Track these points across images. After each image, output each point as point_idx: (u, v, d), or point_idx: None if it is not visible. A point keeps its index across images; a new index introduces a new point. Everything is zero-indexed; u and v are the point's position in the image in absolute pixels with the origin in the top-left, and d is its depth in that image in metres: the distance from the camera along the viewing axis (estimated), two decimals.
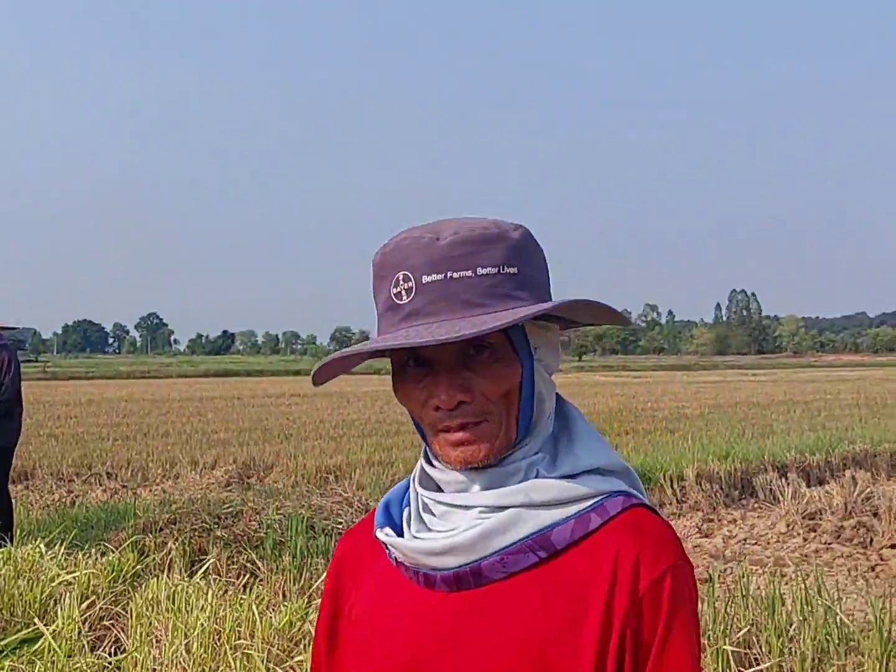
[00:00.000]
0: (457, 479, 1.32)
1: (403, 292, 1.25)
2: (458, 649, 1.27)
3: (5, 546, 8.04)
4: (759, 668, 5.21)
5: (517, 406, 1.30)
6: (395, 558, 1.37)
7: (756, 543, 10.49)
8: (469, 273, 1.23)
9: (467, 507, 1.30)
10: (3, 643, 5.99)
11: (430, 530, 1.33)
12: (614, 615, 1.22)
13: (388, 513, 1.42)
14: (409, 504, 1.39)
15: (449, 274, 1.22)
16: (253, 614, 5.66)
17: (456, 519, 1.31)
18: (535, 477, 1.30)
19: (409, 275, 1.24)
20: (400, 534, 1.36)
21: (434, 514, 1.34)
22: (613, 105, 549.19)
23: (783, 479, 12.76)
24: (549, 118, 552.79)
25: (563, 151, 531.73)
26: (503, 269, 1.24)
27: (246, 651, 5.16)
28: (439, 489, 1.35)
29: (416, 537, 1.33)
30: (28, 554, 7.55)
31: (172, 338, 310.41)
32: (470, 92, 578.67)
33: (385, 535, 1.37)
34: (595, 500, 1.28)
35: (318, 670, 1.52)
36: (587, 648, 1.22)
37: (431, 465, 1.37)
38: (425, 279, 1.23)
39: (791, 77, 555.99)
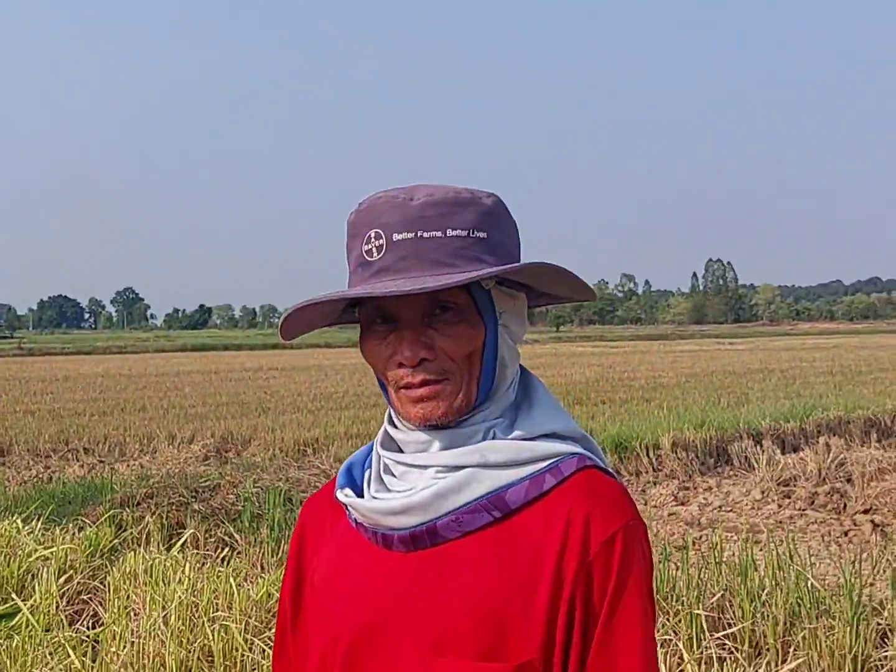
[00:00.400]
0: (417, 439, 1.34)
1: (374, 249, 1.27)
2: (415, 609, 1.29)
3: None
4: (731, 630, 5.28)
5: (479, 368, 1.32)
6: (355, 520, 1.38)
7: (731, 510, 10.56)
8: (439, 233, 1.25)
9: (425, 467, 1.32)
10: None
11: (389, 490, 1.35)
12: (564, 576, 1.24)
13: (350, 475, 1.44)
14: (370, 466, 1.41)
15: (420, 233, 1.25)
16: (230, 586, 5.69)
17: (413, 479, 1.33)
18: (493, 439, 1.31)
19: (381, 232, 1.27)
20: (360, 495, 1.38)
21: (394, 475, 1.36)
22: (591, 74, 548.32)
23: (758, 447, 12.84)
24: (526, 85, 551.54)
25: (540, 120, 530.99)
26: (473, 233, 1.27)
27: (224, 623, 5.19)
28: (401, 451, 1.37)
29: (374, 497, 1.34)
30: (5, 530, 7.56)
31: (149, 312, 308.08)
32: (459, 60, 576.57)
33: (345, 495, 1.39)
34: (550, 461, 1.30)
35: (283, 638, 1.53)
36: (539, 609, 1.23)
37: (395, 426, 1.39)
38: (396, 237, 1.25)
39: (773, 49, 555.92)
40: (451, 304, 1.28)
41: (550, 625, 1.23)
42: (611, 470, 1.37)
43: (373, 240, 1.27)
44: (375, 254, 1.26)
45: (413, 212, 1.26)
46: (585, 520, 1.25)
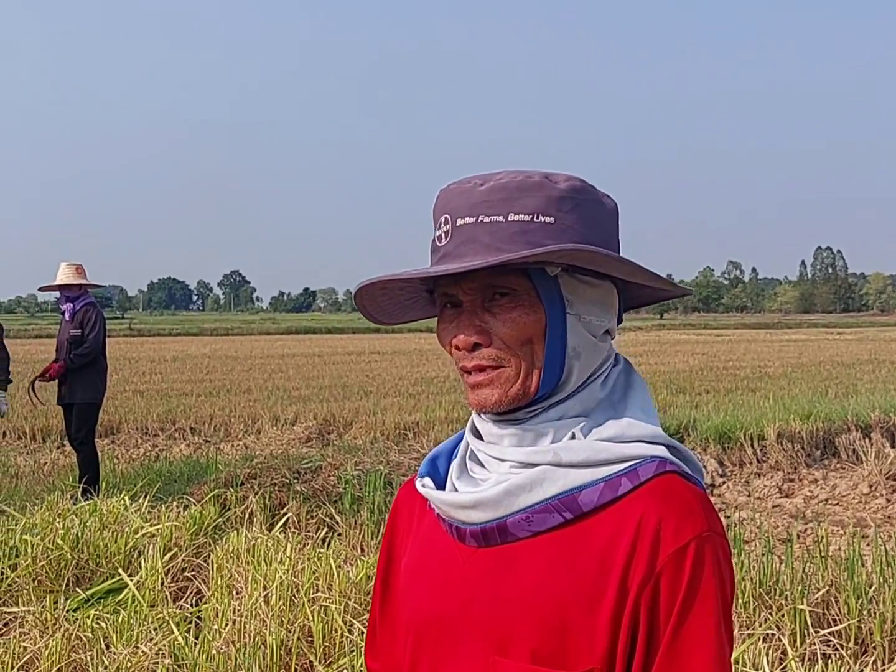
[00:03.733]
0: (489, 431, 1.32)
1: (443, 235, 1.27)
2: (482, 606, 1.27)
3: (91, 499, 8.24)
4: (836, 628, 5.17)
5: (542, 358, 1.27)
6: (435, 511, 1.38)
7: (838, 504, 10.37)
8: (500, 218, 1.23)
9: (502, 460, 1.30)
10: (89, 592, 6.16)
11: (470, 476, 1.33)
12: (630, 585, 1.20)
13: (433, 465, 1.42)
14: (457, 455, 1.39)
15: (481, 218, 1.23)
16: (331, 567, 5.74)
17: (494, 468, 1.31)
18: (572, 439, 1.27)
19: (449, 217, 1.26)
20: (441, 486, 1.37)
21: (478, 462, 1.34)
22: (694, 60, 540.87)
23: (867, 439, 12.55)
24: (629, 75, 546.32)
25: (641, 99, 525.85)
26: (537, 218, 1.23)
27: (323, 604, 5.24)
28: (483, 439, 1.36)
29: (454, 485, 1.33)
30: (113, 506, 7.74)
31: (255, 295, 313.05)
32: (562, 50, 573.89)
33: (422, 485, 1.38)
34: (628, 464, 1.24)
35: (373, 618, 1.54)
36: (603, 617, 1.19)
37: (478, 414, 1.37)
38: (459, 222, 1.25)
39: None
40: (509, 290, 1.26)
41: (614, 634, 1.19)
42: (698, 477, 1.30)
43: (442, 225, 1.28)
44: (443, 239, 1.27)
45: (478, 196, 1.24)
46: (656, 527, 1.20)
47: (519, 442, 1.28)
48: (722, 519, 1.25)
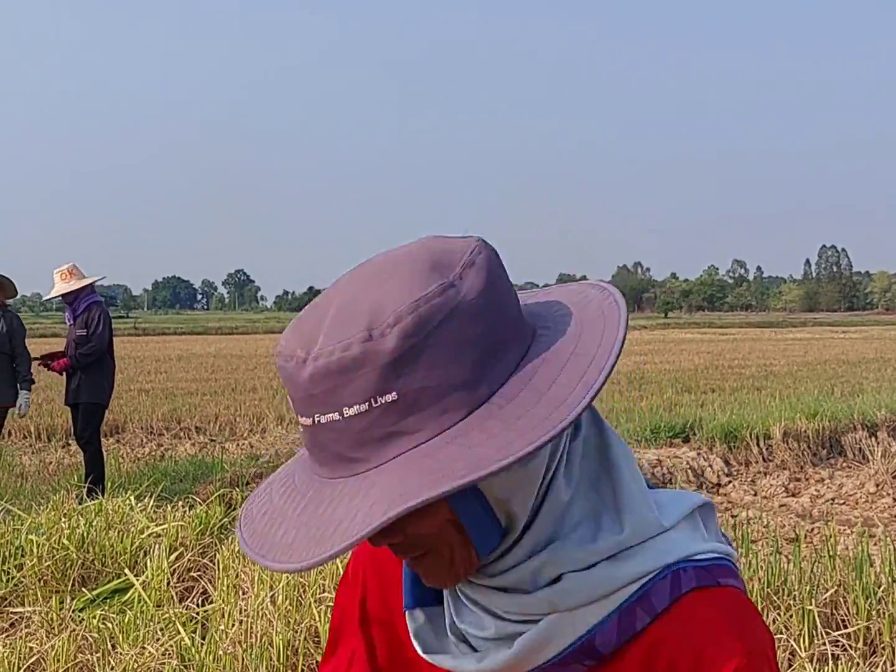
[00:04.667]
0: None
1: (297, 415, 1.04)
2: None
3: (97, 498, 8.23)
4: (846, 631, 5.14)
5: (464, 530, 1.04)
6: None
7: (844, 503, 10.35)
8: (336, 416, 0.97)
9: (494, 614, 1.11)
10: (95, 593, 6.15)
11: (465, 604, 1.13)
12: None
13: (417, 583, 1.19)
14: None
15: (317, 418, 0.99)
16: (337, 567, 5.72)
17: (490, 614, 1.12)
18: (558, 577, 1.07)
19: (292, 405, 1.05)
20: (434, 601, 1.19)
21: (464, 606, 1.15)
22: (700, 59, 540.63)
23: (873, 438, 12.53)
24: (635, 74, 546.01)
25: (649, 105, 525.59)
26: (376, 402, 0.95)
27: (330, 604, 5.22)
28: None
29: (454, 619, 1.15)
30: (118, 506, 7.73)
31: (259, 294, 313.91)
32: (572, 47, 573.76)
33: (414, 638, 1.19)
34: (638, 585, 1.07)
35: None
36: None
37: None
38: (301, 420, 1.03)
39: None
40: None
41: None
42: (723, 553, 1.11)
43: (293, 408, 1.05)
44: (300, 418, 1.03)
45: (304, 389, 0.99)
46: (694, 665, 1.04)
47: (499, 598, 1.10)
48: (765, 625, 1.01)
